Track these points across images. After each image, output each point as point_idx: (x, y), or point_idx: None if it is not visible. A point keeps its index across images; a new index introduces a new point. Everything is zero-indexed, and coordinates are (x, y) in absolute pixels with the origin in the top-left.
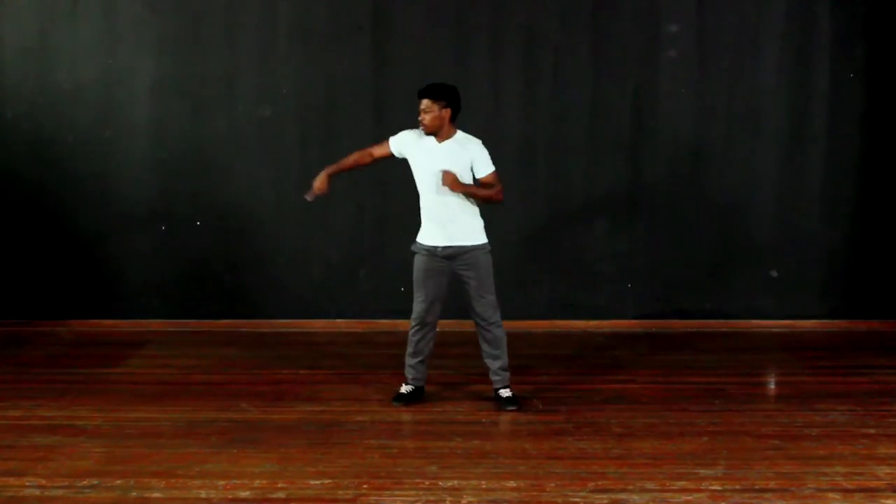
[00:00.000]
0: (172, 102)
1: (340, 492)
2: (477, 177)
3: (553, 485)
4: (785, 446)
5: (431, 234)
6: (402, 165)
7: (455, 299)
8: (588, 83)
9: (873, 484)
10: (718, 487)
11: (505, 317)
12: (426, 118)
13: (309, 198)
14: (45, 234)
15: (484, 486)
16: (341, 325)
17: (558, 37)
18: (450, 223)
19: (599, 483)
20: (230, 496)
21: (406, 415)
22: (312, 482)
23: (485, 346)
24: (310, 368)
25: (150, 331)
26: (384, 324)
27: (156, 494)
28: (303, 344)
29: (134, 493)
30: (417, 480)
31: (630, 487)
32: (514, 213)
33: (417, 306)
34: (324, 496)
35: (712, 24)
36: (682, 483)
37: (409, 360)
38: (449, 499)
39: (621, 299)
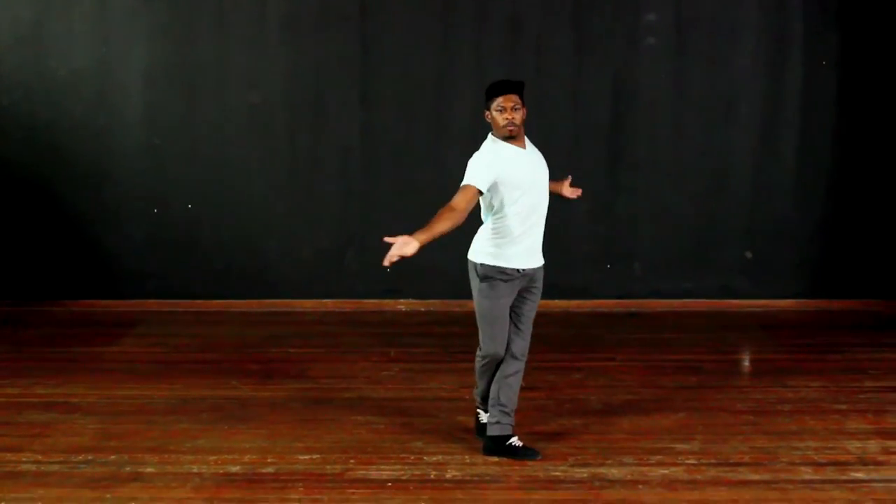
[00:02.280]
0: (165, 89)
1: (328, 466)
2: None
3: (536, 461)
4: (759, 422)
5: (520, 256)
6: (387, 148)
7: (441, 276)
8: (569, 70)
9: (843, 458)
10: (694, 461)
11: None
12: (517, 117)
13: (386, 263)
14: (41, 218)
15: (468, 461)
16: (329, 304)
17: (540, 25)
18: (537, 241)
19: (579, 457)
20: (221, 471)
21: (392, 392)
22: (301, 457)
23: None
24: (299, 347)
25: (143, 311)
26: (371, 303)
27: (149, 469)
28: (292, 323)
29: (128, 469)
30: (403, 455)
31: (609, 462)
32: None
33: (493, 340)
34: (312, 470)
35: (690, 13)
36: (659, 457)
37: (480, 396)
38: (434, 473)
39: (601, 280)
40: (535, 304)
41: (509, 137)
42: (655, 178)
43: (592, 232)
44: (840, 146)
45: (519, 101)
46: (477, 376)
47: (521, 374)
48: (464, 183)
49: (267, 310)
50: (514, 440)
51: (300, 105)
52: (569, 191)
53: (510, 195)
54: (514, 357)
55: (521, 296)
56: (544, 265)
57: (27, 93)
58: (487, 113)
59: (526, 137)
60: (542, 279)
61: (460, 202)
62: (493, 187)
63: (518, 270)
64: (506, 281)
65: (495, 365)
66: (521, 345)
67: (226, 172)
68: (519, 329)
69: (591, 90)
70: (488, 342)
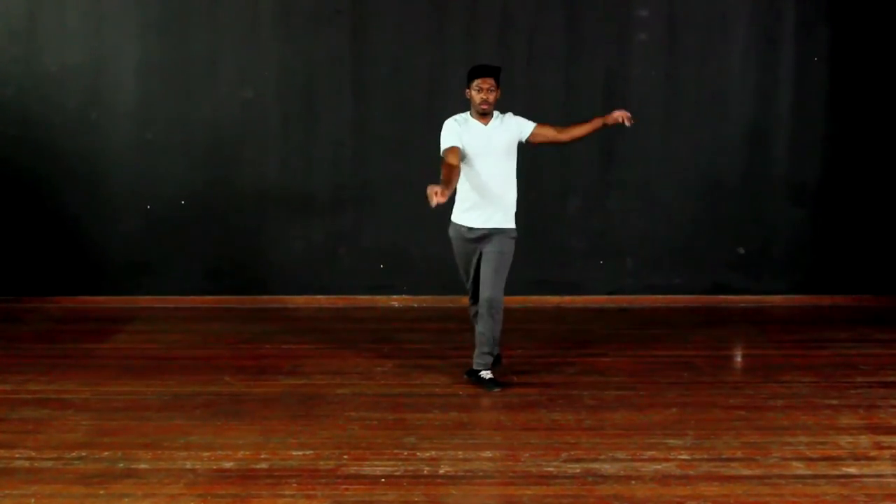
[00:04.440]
0: (157, 84)
1: (322, 462)
2: (531, 131)
3: (527, 455)
4: (751, 417)
5: (472, 215)
6: (380, 143)
7: (433, 272)
8: (561, 65)
9: (835, 453)
10: (687, 457)
11: None
12: (491, 97)
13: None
14: (34, 214)
15: (461, 457)
16: (322, 300)
17: (532, 20)
18: (497, 205)
19: (572, 453)
20: (215, 467)
21: (385, 388)
22: (294, 453)
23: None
24: (292, 343)
25: (136, 307)
26: (363, 299)
27: (142, 466)
28: (285, 319)
29: (121, 465)
30: (396, 451)
31: (602, 457)
32: None
33: (467, 285)
34: (305, 466)
35: (682, 8)
36: (651, 453)
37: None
38: (427, 469)
39: (593, 275)
40: (489, 263)
41: (481, 114)
42: (647, 174)
43: (584, 227)
44: (831, 142)
45: (494, 83)
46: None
47: (485, 320)
48: (444, 147)
49: (260, 306)
50: (483, 373)
51: (292, 100)
52: (616, 117)
53: (465, 162)
54: (482, 306)
55: (480, 255)
56: (507, 236)
57: (20, 88)
58: (468, 90)
59: (496, 112)
60: (502, 242)
61: (451, 158)
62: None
63: (464, 227)
64: (458, 238)
65: (474, 311)
66: (482, 297)
67: (218, 168)
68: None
69: (582, 86)
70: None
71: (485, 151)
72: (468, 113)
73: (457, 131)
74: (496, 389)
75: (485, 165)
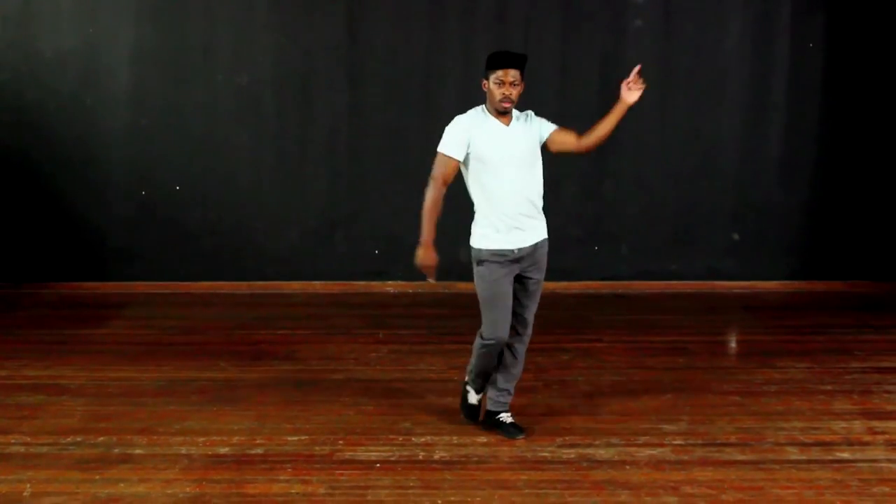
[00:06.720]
0: (152, 70)
1: (317, 447)
2: (550, 133)
3: (522, 439)
4: (745, 402)
5: (507, 234)
6: (375, 130)
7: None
8: (557, 53)
9: (829, 438)
10: (681, 442)
11: None
12: (514, 92)
13: (433, 280)
14: (29, 200)
15: (455, 442)
16: (318, 286)
17: (528, 7)
18: (529, 218)
19: (567, 438)
20: (210, 452)
21: (380, 373)
22: (290, 438)
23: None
24: (287, 329)
25: (131, 293)
26: (359, 285)
27: (138, 451)
28: (280, 305)
29: (116, 450)
30: (391, 436)
31: (597, 442)
32: None
33: (494, 325)
34: (301, 452)
35: None
36: (646, 438)
37: (480, 385)
38: (422, 454)
39: (589, 261)
40: (533, 295)
41: (501, 112)
42: (642, 161)
43: (579, 214)
44: (826, 128)
45: (518, 76)
46: (474, 358)
47: (520, 357)
48: (443, 153)
49: (255, 291)
50: (503, 415)
51: (288, 86)
52: (627, 93)
53: (483, 171)
54: (522, 341)
55: (520, 281)
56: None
57: (14, 73)
58: (485, 82)
59: (516, 111)
60: (543, 260)
61: (439, 186)
62: (467, 161)
63: (508, 250)
64: (500, 263)
65: (498, 352)
66: (525, 330)
67: (213, 154)
68: (517, 329)
69: (578, 72)
70: (489, 328)
71: (509, 158)
72: (483, 108)
73: (464, 137)
74: (520, 437)
75: (510, 175)
